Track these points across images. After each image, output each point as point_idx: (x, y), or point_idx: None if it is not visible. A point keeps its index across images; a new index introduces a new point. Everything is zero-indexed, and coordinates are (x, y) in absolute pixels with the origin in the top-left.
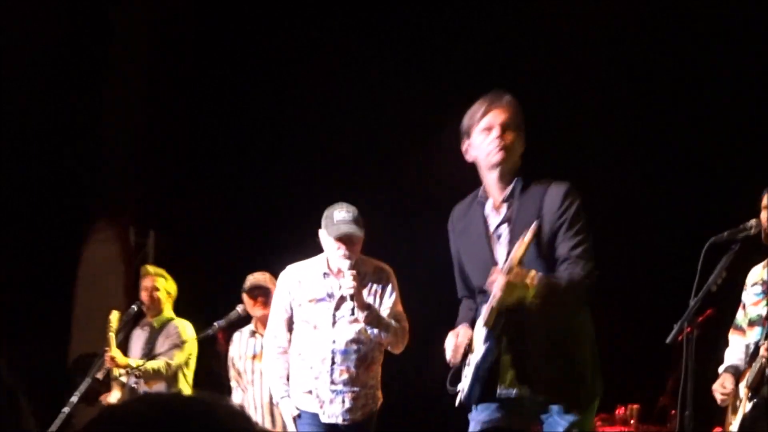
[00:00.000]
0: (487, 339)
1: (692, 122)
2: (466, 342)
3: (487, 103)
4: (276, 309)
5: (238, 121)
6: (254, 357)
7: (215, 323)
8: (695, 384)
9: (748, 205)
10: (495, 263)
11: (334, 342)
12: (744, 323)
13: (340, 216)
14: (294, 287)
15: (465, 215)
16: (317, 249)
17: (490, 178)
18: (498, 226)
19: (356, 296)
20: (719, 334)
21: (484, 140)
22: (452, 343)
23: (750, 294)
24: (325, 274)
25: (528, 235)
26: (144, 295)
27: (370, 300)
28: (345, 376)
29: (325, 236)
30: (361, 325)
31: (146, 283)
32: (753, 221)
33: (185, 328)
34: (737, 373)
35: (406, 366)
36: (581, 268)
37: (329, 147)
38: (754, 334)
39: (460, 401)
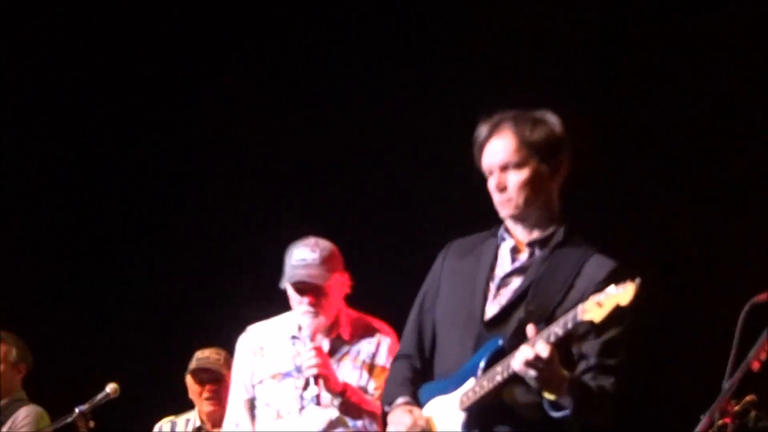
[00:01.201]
0: (468, 427)
1: (729, 149)
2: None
3: (488, 129)
4: (234, 387)
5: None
6: None
7: (76, 408)
8: None
9: None
10: (480, 317)
11: None
12: None
13: (299, 256)
14: (254, 356)
15: (469, 253)
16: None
17: (510, 223)
18: (508, 274)
19: (323, 378)
20: (764, 427)
21: (489, 184)
22: (408, 423)
23: None
24: (293, 338)
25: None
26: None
27: (353, 376)
28: None
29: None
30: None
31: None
32: None
33: (37, 416)
34: None
35: None
36: (612, 385)
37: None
38: None
39: None
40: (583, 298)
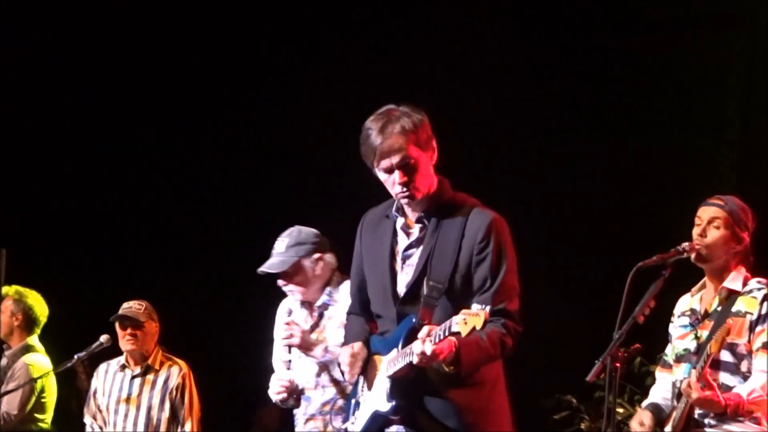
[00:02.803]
0: (391, 397)
1: (620, 132)
2: (363, 357)
3: (380, 138)
4: (276, 346)
5: (101, 120)
6: (128, 399)
7: (75, 355)
8: (619, 426)
9: (680, 226)
10: (394, 291)
11: None
12: (671, 359)
13: (275, 246)
14: (283, 320)
15: (377, 227)
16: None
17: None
18: (407, 248)
19: (296, 347)
20: (647, 371)
21: (387, 180)
22: (348, 357)
23: (676, 326)
24: (302, 303)
25: None
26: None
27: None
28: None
29: None
30: None
31: (4, 306)
32: (686, 244)
33: (35, 364)
34: (657, 411)
35: None
36: (502, 325)
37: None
38: (681, 371)
39: None
40: (471, 257)
